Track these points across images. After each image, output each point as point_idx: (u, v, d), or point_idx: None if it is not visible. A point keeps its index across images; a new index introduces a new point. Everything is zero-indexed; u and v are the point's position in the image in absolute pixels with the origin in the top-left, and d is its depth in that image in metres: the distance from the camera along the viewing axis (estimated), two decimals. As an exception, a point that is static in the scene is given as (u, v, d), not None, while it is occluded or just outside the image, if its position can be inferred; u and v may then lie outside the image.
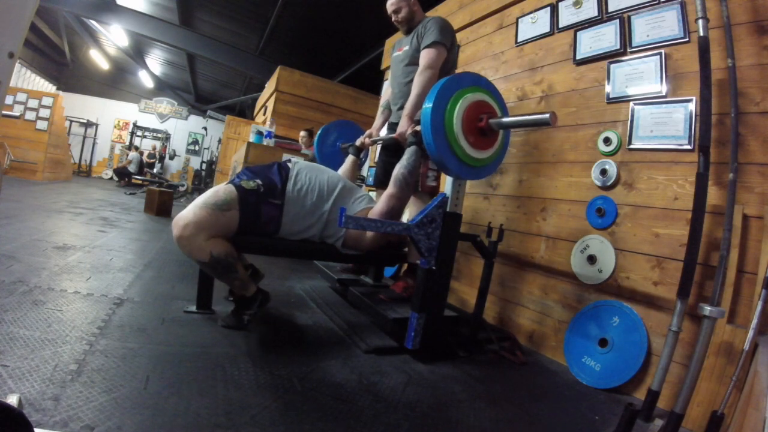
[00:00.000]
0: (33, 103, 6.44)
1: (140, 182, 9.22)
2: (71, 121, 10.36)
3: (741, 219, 1.39)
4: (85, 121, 11.08)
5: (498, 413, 1.27)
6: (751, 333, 1.21)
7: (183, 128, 12.98)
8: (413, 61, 2.05)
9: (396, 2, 2.11)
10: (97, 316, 1.45)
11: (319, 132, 2.68)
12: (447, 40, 1.97)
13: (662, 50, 1.72)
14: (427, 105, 1.45)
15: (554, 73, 2.21)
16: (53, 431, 0.81)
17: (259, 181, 1.58)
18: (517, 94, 2.39)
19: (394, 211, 1.65)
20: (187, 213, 1.44)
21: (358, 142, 2.35)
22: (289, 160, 1.79)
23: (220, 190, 1.52)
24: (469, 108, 1.53)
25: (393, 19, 2.18)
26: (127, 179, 9.28)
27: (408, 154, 1.69)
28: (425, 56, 1.94)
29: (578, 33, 2.09)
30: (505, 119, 1.55)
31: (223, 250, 1.47)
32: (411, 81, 1.99)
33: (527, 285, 2.13)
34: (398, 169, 1.68)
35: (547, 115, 1.30)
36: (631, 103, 1.79)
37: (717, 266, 1.35)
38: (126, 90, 12.38)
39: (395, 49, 2.29)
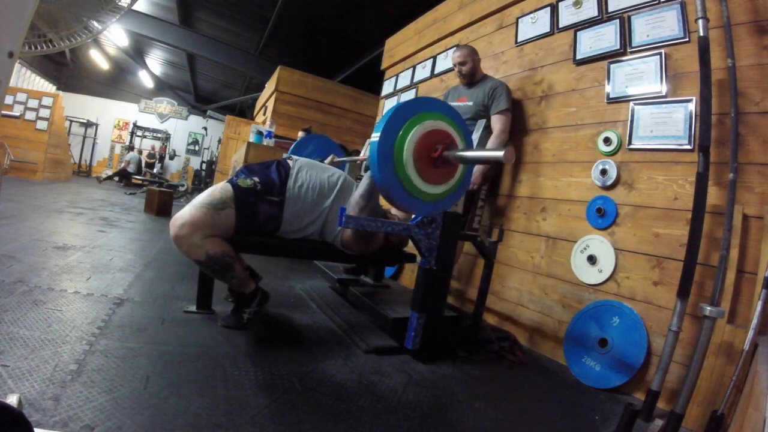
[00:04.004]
0: (33, 103, 6.44)
1: (140, 182, 9.22)
2: (71, 121, 10.36)
3: (741, 219, 1.39)
4: (85, 121, 11.07)
5: (498, 413, 1.27)
6: (751, 333, 1.21)
7: (183, 128, 12.97)
8: (476, 116, 2.23)
9: (462, 56, 2.31)
10: (97, 316, 1.45)
11: (295, 143, 2.70)
12: (512, 105, 2.26)
13: (662, 50, 1.72)
14: (375, 136, 1.34)
15: (554, 73, 2.21)
16: (53, 431, 0.81)
17: (256, 179, 1.58)
18: (517, 94, 2.39)
19: (356, 233, 1.63)
20: (184, 213, 1.44)
21: (327, 160, 2.37)
22: (290, 158, 1.79)
23: (216, 189, 1.53)
24: (424, 136, 1.39)
25: (456, 70, 2.38)
26: (126, 179, 9.27)
27: (364, 178, 1.64)
28: (499, 121, 2.20)
29: (578, 33, 2.09)
30: (462, 152, 1.43)
31: (220, 249, 1.47)
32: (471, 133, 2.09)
33: (527, 285, 2.13)
34: (354, 192, 1.67)
35: (502, 153, 1.23)
36: (631, 103, 1.79)
37: (717, 266, 1.35)
38: (126, 90, 12.37)
39: (453, 98, 2.46)
